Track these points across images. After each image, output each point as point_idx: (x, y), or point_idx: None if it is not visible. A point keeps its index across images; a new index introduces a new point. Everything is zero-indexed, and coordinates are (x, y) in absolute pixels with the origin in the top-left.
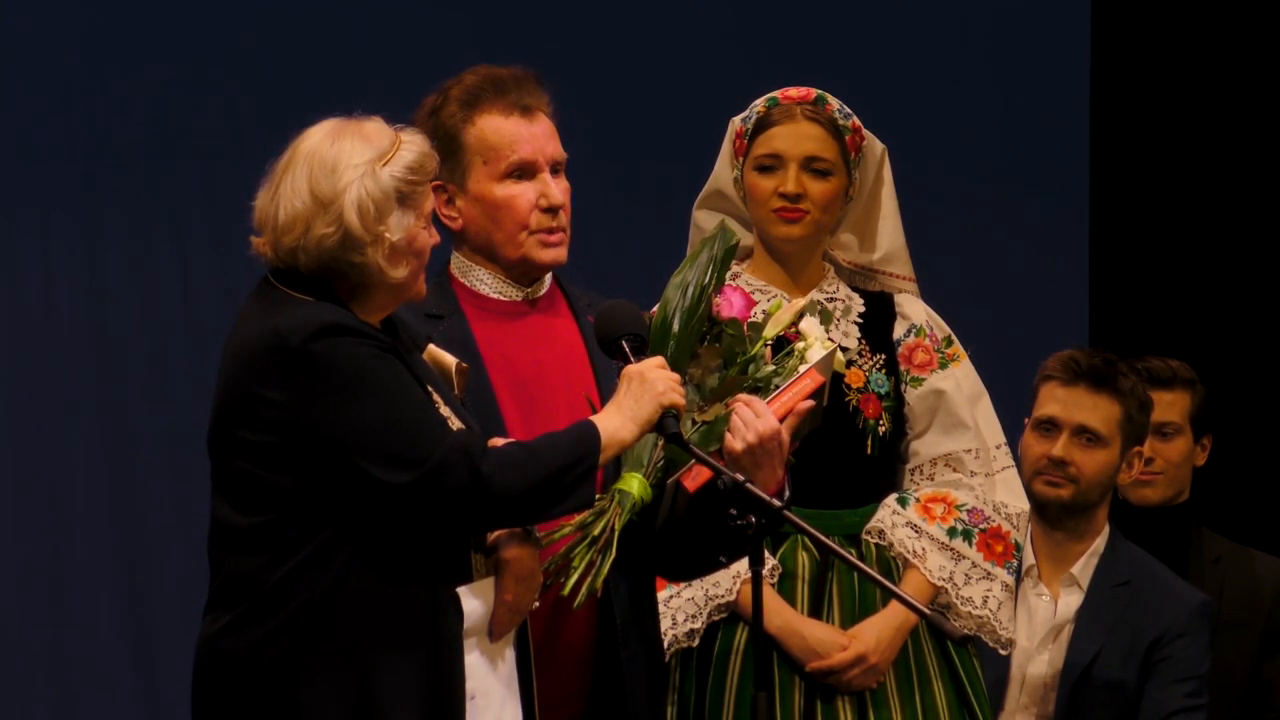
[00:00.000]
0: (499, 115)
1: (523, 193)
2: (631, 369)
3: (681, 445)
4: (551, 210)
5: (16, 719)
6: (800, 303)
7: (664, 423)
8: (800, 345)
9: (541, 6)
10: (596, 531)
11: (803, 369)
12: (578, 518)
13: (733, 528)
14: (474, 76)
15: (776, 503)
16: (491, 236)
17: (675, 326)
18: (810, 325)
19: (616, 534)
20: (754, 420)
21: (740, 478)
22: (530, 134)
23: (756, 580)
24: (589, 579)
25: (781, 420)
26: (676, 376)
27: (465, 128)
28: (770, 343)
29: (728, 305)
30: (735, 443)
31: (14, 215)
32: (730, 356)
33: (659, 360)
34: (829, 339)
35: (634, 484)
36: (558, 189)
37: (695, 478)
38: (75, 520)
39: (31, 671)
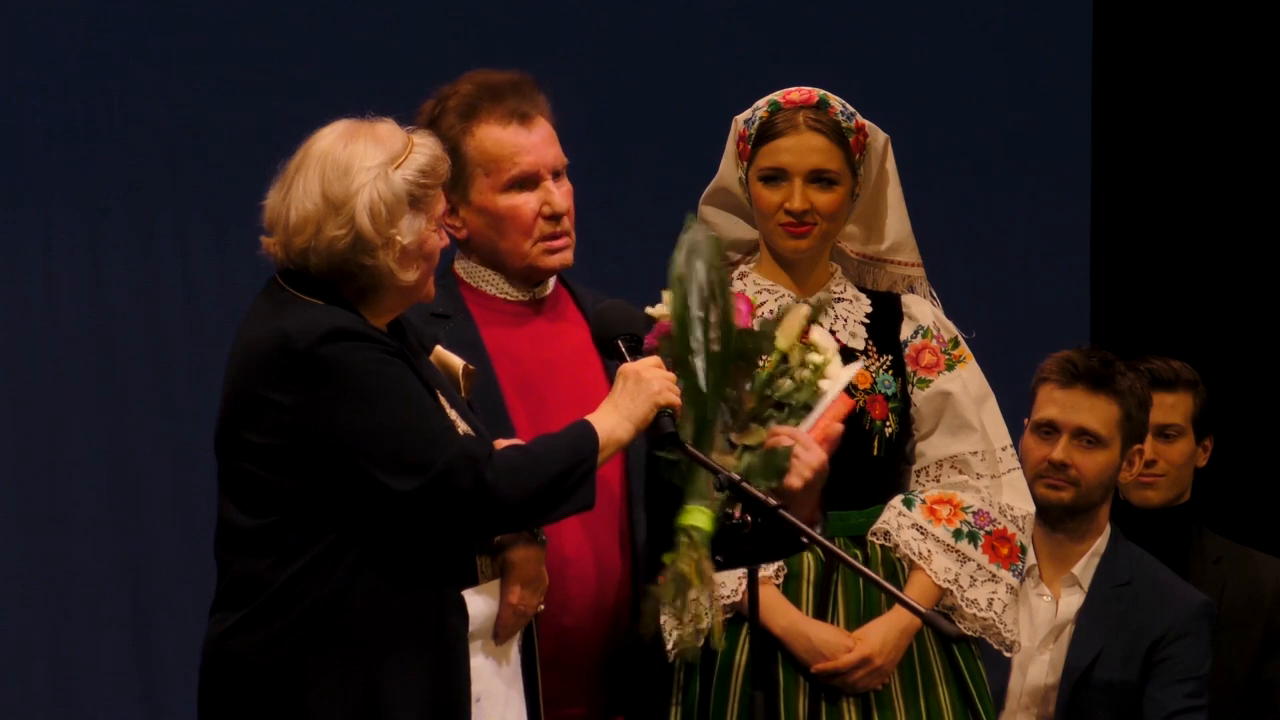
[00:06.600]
0: (497, 125)
1: (525, 202)
2: (627, 367)
3: (677, 445)
4: (554, 218)
5: (16, 719)
6: (803, 310)
7: (660, 422)
8: (816, 358)
9: (545, 4)
10: (700, 581)
11: (825, 385)
12: (676, 570)
13: (728, 526)
14: (470, 85)
15: (772, 501)
16: (497, 246)
17: (701, 358)
18: (821, 335)
19: (709, 573)
20: (806, 455)
21: (737, 476)
22: (529, 143)
23: (752, 579)
24: (712, 625)
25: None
26: (672, 376)
27: (464, 139)
28: (782, 354)
29: (739, 315)
30: (794, 480)
31: (14, 214)
32: (753, 366)
33: (655, 360)
34: (855, 355)
35: (702, 519)
36: (559, 194)
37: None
38: (75, 520)
39: (31, 672)
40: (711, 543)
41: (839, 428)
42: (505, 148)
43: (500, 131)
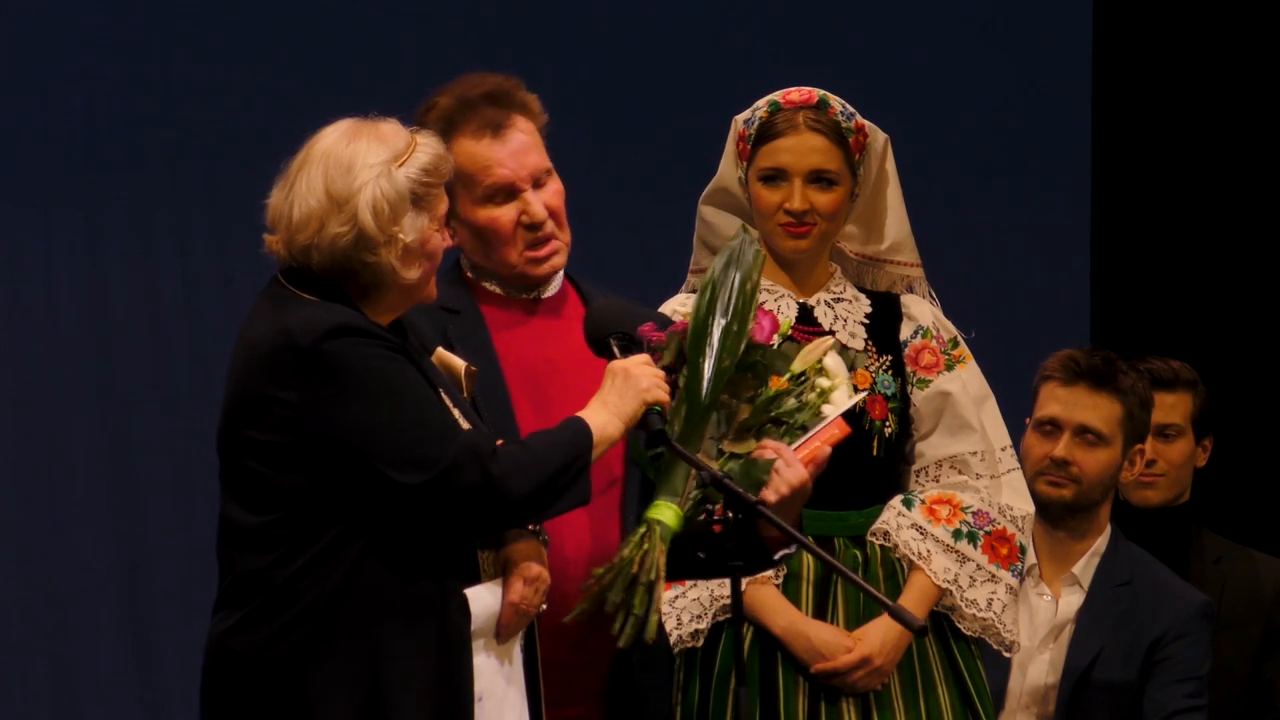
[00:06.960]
0: (470, 140)
1: (504, 214)
2: (616, 364)
3: (666, 443)
4: (534, 226)
5: (16, 719)
6: (828, 342)
7: (648, 419)
8: (825, 383)
9: (545, 4)
10: (653, 576)
11: (827, 410)
12: (620, 556)
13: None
14: (448, 98)
15: (752, 497)
16: (487, 255)
17: (710, 363)
18: (835, 362)
19: (663, 572)
20: (786, 471)
21: (720, 473)
22: (502, 155)
23: (735, 576)
24: (645, 621)
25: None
26: (661, 373)
27: None
28: (794, 376)
29: (758, 329)
30: (769, 494)
31: (14, 214)
32: (762, 382)
33: (644, 357)
34: (854, 386)
35: (668, 514)
36: (540, 201)
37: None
38: (75, 520)
39: (32, 672)
40: (696, 540)
41: (827, 451)
42: (478, 161)
43: (473, 146)
